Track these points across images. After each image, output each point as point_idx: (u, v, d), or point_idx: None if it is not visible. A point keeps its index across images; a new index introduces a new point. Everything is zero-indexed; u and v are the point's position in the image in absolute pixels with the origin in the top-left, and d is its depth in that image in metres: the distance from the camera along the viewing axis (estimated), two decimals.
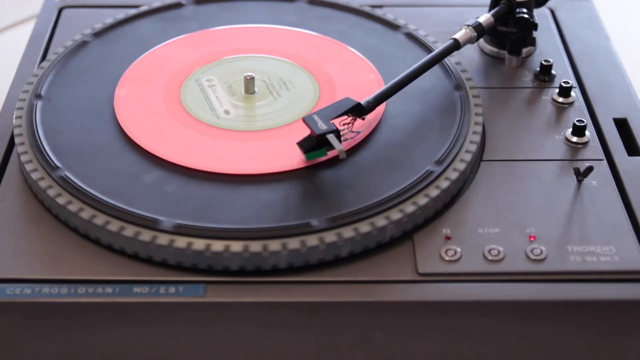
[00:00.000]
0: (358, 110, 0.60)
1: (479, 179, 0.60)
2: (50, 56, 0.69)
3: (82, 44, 0.70)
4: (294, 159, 0.59)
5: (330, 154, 0.58)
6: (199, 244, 0.53)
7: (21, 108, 0.64)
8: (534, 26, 0.70)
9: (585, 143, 0.63)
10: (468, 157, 0.60)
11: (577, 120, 0.63)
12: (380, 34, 0.72)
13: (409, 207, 0.56)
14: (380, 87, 0.63)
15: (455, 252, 0.55)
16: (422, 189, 0.57)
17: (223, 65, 0.69)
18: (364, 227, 0.54)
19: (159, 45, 0.70)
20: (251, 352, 0.55)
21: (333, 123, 0.58)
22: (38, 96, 0.64)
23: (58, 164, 0.58)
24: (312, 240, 0.54)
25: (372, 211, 0.55)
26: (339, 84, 0.66)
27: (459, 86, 0.65)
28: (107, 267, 0.54)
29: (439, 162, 0.59)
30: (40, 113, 0.63)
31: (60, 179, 0.57)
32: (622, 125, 0.65)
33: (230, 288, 0.53)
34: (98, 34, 0.71)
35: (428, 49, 0.69)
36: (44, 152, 0.59)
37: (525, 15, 0.69)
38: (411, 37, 0.71)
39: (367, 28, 0.73)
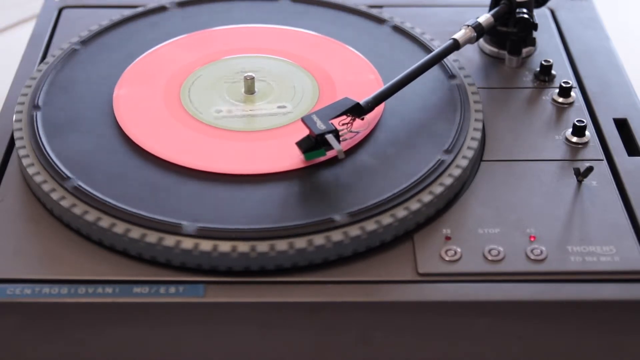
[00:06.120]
0: (357, 110, 0.60)
1: (479, 179, 0.60)
2: (42, 66, 0.68)
3: (72, 52, 0.69)
4: (294, 159, 0.59)
5: (330, 153, 0.58)
6: (224, 246, 0.53)
7: (20, 120, 0.63)
8: (534, 26, 0.70)
9: (585, 143, 0.63)
10: (475, 144, 0.60)
11: (577, 121, 0.63)
12: (366, 28, 0.72)
13: (426, 197, 0.56)
14: (380, 86, 0.63)
15: (456, 252, 0.55)
16: (437, 179, 0.57)
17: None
18: (386, 219, 0.55)
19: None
20: (251, 352, 0.55)
21: (332, 123, 0.58)
22: (36, 107, 0.64)
23: (69, 174, 0.58)
24: (337, 236, 0.54)
25: (392, 203, 0.55)
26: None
27: (453, 76, 0.66)
28: (107, 267, 0.54)
29: (448, 151, 0.59)
30: (41, 123, 0.62)
31: (73, 189, 0.57)
32: (622, 125, 0.65)
33: (230, 288, 0.53)
34: (85, 42, 0.70)
35: (416, 41, 0.70)
36: (53, 164, 0.58)
37: (525, 16, 0.69)
38: (398, 29, 0.72)
39: (353, 23, 0.73)
